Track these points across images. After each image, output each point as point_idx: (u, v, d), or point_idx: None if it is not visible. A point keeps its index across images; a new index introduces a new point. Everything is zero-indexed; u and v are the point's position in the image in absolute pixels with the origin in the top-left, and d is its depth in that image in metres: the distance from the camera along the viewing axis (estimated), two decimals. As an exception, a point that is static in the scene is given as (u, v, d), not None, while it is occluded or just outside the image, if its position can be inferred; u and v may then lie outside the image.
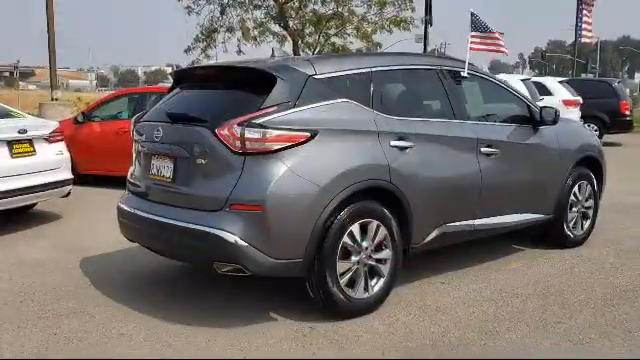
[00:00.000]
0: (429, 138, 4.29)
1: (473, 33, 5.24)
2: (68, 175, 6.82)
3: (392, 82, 4.34)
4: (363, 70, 4.12)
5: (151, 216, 3.97)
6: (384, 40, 19.19)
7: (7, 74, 73.39)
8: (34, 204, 6.90)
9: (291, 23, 18.95)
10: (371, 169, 3.89)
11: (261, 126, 3.55)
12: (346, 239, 3.79)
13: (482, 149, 4.62)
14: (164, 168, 3.99)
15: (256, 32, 18.72)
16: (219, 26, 18.60)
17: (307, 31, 18.95)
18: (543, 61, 79.84)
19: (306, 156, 3.63)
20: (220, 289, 4.44)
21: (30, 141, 6.39)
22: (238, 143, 3.57)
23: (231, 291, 4.39)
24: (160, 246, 4.09)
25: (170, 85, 4.69)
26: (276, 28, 19.23)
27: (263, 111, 3.63)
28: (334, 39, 19.01)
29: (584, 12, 28.56)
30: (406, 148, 4.10)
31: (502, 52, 5.52)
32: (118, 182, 9.34)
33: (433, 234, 4.35)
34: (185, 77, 4.49)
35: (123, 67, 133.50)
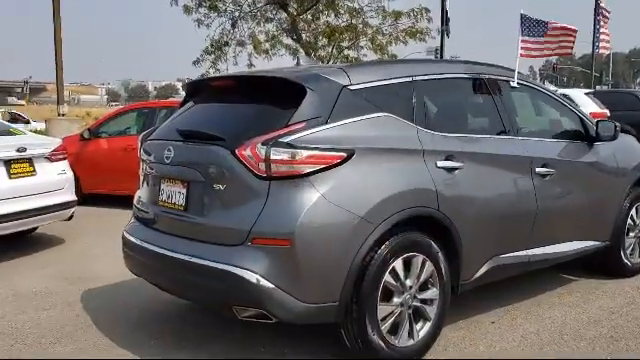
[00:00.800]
0: (479, 157, 3.73)
1: (524, 37, 4.69)
2: (71, 197, 6.31)
3: (436, 93, 3.79)
4: (404, 79, 3.58)
5: (160, 249, 3.43)
6: (397, 52, 18.57)
7: (19, 90, 73.94)
8: (34, 228, 6.38)
9: (304, 36, 18.49)
10: (417, 195, 3.33)
11: (289, 145, 3.01)
12: (388, 277, 3.22)
13: (537, 169, 4.05)
14: (175, 194, 3.45)
15: (267, 45, 18.27)
16: (230, 39, 18.17)
17: (320, 44, 18.47)
18: (554, 73, 79.11)
19: (342, 180, 3.08)
20: (236, 330, 3.87)
21: (30, 160, 5.89)
22: (262, 166, 3.03)
23: (249, 332, 3.83)
24: (170, 285, 3.54)
25: (182, 99, 4.17)
26: (288, 41, 18.78)
27: (291, 128, 3.09)
28: (347, 51, 18.51)
29: (601, 23, 28.00)
30: (454, 169, 3.54)
31: (565, 53, 4.93)
32: (125, 202, 8.91)
33: (484, 268, 3.78)
34: (199, 89, 3.96)
35: (134, 82, 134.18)
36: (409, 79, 3.60)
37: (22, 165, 5.79)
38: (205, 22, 17.53)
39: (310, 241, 2.98)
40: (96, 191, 8.84)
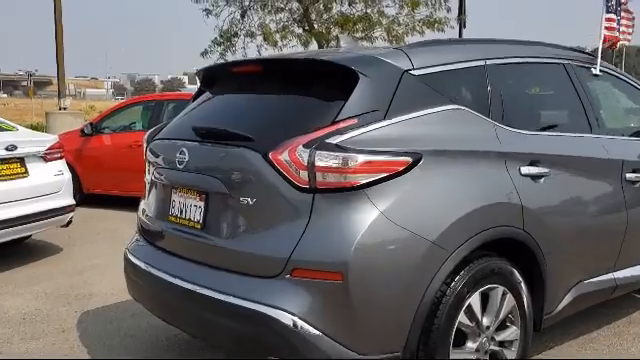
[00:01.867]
0: (565, 161, 3.01)
1: (608, 15, 3.95)
2: (69, 200, 5.61)
3: (512, 80, 3.06)
4: (475, 63, 2.85)
5: (170, 278, 2.73)
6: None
7: (25, 83, 73.31)
8: (27, 236, 5.69)
9: (316, 25, 17.73)
10: (499, 211, 2.62)
11: (340, 148, 2.30)
12: (463, 317, 2.51)
13: (627, 175, 3.32)
14: (190, 208, 2.74)
15: (278, 36, 17.50)
16: (239, 30, 17.42)
17: (333, 34, 17.70)
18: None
19: (407, 194, 2.36)
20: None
21: (21, 160, 5.19)
22: (304, 174, 2.32)
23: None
24: (182, 322, 2.83)
25: (195, 90, 3.46)
26: (299, 31, 18.02)
27: (340, 125, 2.37)
28: (361, 42, 17.73)
29: (622, 14, 27.17)
30: (540, 177, 2.82)
31: (628, 40, 4.22)
32: (129, 203, 8.24)
33: (569, 297, 3.07)
34: (218, 77, 3.22)
35: (140, 75, 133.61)
36: (481, 62, 2.87)
37: (12, 165, 5.10)
38: (214, 12, 16.78)
39: (367, 274, 2.27)
40: (98, 191, 8.16)
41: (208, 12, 16.89)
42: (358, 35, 18.11)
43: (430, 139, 2.50)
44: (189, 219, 2.74)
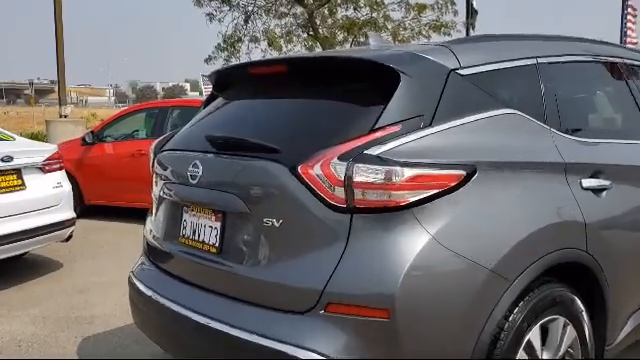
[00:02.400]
0: (628, 172, 2.67)
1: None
2: (69, 214, 5.28)
3: (567, 81, 2.71)
4: (526, 61, 2.51)
5: (180, 308, 2.38)
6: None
7: (27, 91, 73.13)
8: (24, 252, 5.36)
9: (321, 30, 17.44)
10: (563, 231, 2.27)
11: (382, 161, 1.96)
12: (522, 355, 2.16)
13: None
14: (204, 229, 2.40)
15: (282, 41, 17.22)
16: (242, 35, 17.15)
17: (338, 38, 17.42)
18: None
19: (461, 213, 2.02)
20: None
21: (18, 172, 4.87)
22: (340, 192, 1.98)
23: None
24: (194, 360, 2.48)
25: (197, 96, 3.11)
26: (304, 36, 17.74)
27: (380, 133, 2.03)
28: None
29: (628, 17, 26.91)
30: (601, 190, 2.47)
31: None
32: (133, 215, 7.95)
33: (629, 325, 2.72)
34: (234, 80, 2.87)
35: (141, 83, 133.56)
36: (532, 61, 2.53)
37: (8, 177, 4.77)
38: (217, 16, 16.50)
39: (418, 310, 1.92)
40: (100, 202, 7.83)
41: (211, 17, 16.63)
42: (363, 40, 17.84)
43: (483, 149, 2.16)
44: (203, 241, 2.40)
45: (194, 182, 2.42)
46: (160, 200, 2.75)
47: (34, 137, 15.38)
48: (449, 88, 2.19)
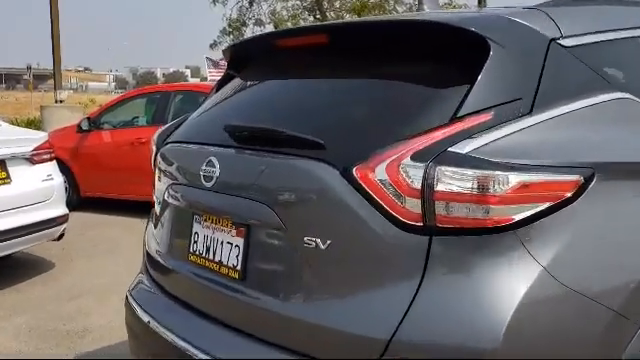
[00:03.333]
0: None
1: None
2: (60, 210, 4.74)
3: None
4: (632, 32, 1.95)
5: (189, 347, 1.84)
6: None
7: (27, 77, 72.42)
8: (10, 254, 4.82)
9: (328, 14, 16.83)
10: None
11: (476, 162, 1.41)
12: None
13: None
14: (222, 246, 1.86)
15: (289, 24, 16.60)
16: (247, 18, 16.55)
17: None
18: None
19: (579, 237, 1.47)
20: None
21: (2, 163, 4.32)
22: (415, 204, 1.44)
23: None
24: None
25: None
26: (310, 19, 17.13)
27: (466, 123, 1.48)
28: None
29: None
30: None
31: None
32: (131, 207, 7.45)
33: None
34: (256, 56, 2.28)
35: (142, 69, 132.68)
36: (636, 32, 1.97)
37: (-10, 170, 4.23)
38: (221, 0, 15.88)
39: (526, 368, 1.39)
40: (97, 195, 7.30)
41: (214, 0, 16.01)
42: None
43: (598, 145, 1.60)
44: (220, 262, 1.86)
45: (209, 185, 1.87)
46: (164, 205, 2.20)
47: (30, 123, 14.81)
48: (550, 63, 1.63)
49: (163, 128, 2.41)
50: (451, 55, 1.64)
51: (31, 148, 4.55)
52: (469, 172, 1.40)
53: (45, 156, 4.68)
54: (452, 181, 1.40)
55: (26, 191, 4.42)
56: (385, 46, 1.77)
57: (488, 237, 1.40)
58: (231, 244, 1.82)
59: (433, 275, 1.42)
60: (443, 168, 1.41)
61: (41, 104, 12.68)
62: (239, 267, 1.78)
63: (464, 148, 1.43)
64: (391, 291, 1.46)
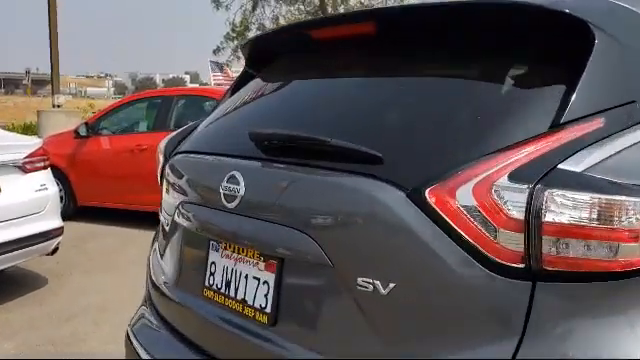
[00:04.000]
0: None
1: None
2: (55, 222, 4.38)
3: None
4: None
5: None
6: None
7: (25, 82, 72.17)
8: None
9: (332, 19, 16.56)
10: None
11: (598, 184, 1.06)
12: None
13: None
14: (247, 281, 1.51)
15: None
16: (250, 23, 16.24)
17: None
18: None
19: None
20: None
21: (-10, 171, 3.97)
22: (513, 239, 1.09)
23: None
24: None
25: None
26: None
27: (574, 132, 1.13)
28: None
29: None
30: None
31: None
32: (131, 218, 7.09)
33: None
34: (282, 51, 1.93)
35: (141, 74, 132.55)
36: None
37: (-23, 179, 3.87)
38: (224, 3, 15.57)
39: None
40: (94, 204, 6.93)
41: (217, 4, 15.71)
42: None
43: None
44: (244, 301, 1.50)
45: (230, 205, 1.51)
46: (173, 226, 1.84)
47: (27, 128, 14.47)
48: None
49: (172, 135, 2.06)
50: (543, 45, 1.30)
51: (23, 155, 4.20)
52: (590, 197, 1.05)
53: (38, 164, 4.33)
54: (566, 209, 1.05)
55: (17, 202, 4.06)
56: (455, 35, 1.42)
57: (615, 285, 1.05)
58: (258, 280, 1.47)
59: (536, 335, 1.07)
60: (555, 192, 1.06)
61: (37, 109, 12.30)
62: (269, 309, 1.43)
63: (578, 165, 1.08)
64: (477, 353, 1.11)
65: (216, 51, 15.96)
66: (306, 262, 1.35)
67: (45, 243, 4.25)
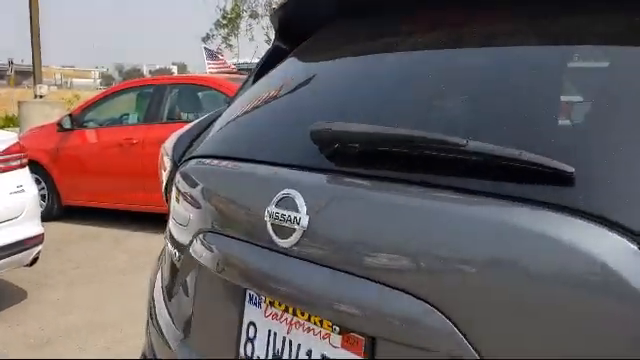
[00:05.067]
0: None
1: None
2: (34, 229, 3.81)
3: None
4: None
5: None
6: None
7: (9, 73, 70.67)
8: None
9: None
10: None
11: None
12: None
13: None
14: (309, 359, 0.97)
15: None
16: (242, 10, 15.59)
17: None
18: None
19: None
20: None
21: (-45, 172, 3.39)
22: None
23: None
24: None
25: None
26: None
27: None
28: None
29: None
30: None
31: None
32: (121, 218, 6.53)
33: None
34: (331, 10, 1.38)
35: (127, 66, 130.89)
36: None
37: (-60, 181, 3.30)
38: (214, -12, 14.92)
39: None
40: (80, 203, 6.35)
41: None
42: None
43: None
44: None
45: (284, 242, 0.98)
46: (187, 262, 1.30)
47: (9, 120, 13.78)
48: None
49: (181, 132, 1.51)
50: None
51: (-5, 152, 3.62)
52: None
53: (14, 162, 3.75)
54: None
55: (-12, 207, 3.49)
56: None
57: None
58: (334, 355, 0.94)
59: None
60: None
61: (18, 100, 11.61)
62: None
63: None
64: None
65: (205, 39, 15.28)
66: (423, 349, 0.81)
67: (22, 254, 3.68)
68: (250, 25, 15.48)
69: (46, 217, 6.06)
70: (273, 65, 1.55)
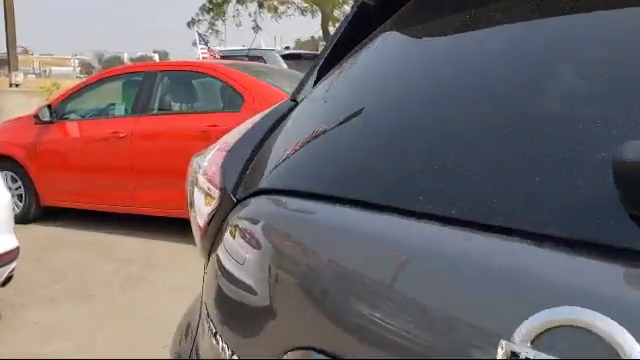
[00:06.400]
0: None
1: None
2: (6, 243, 3.22)
3: None
4: None
5: None
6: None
7: (-14, 61, 68.73)
8: None
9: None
10: None
11: None
12: None
13: None
14: None
15: (276, 2, 15.07)
16: (229, -6, 14.93)
17: (342, -1, 15.37)
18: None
19: None
20: None
21: None
22: None
23: None
24: None
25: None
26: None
27: None
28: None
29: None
30: None
31: None
32: (109, 220, 5.80)
33: None
34: None
35: (108, 53, 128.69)
36: None
37: None
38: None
39: None
40: (61, 203, 5.74)
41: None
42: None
43: None
44: None
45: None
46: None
47: (-17, 111, 12.96)
48: None
49: (229, 147, 0.94)
50: None
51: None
52: None
53: (-19, 163, 3.15)
54: None
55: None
56: None
57: None
58: None
59: None
60: None
61: (-5, 89, 10.87)
62: None
63: None
64: None
65: (191, 24, 14.60)
66: None
67: (-7, 272, 3.10)
68: (237, 10, 14.83)
69: (23, 219, 5.46)
70: (361, 36, 1.00)
